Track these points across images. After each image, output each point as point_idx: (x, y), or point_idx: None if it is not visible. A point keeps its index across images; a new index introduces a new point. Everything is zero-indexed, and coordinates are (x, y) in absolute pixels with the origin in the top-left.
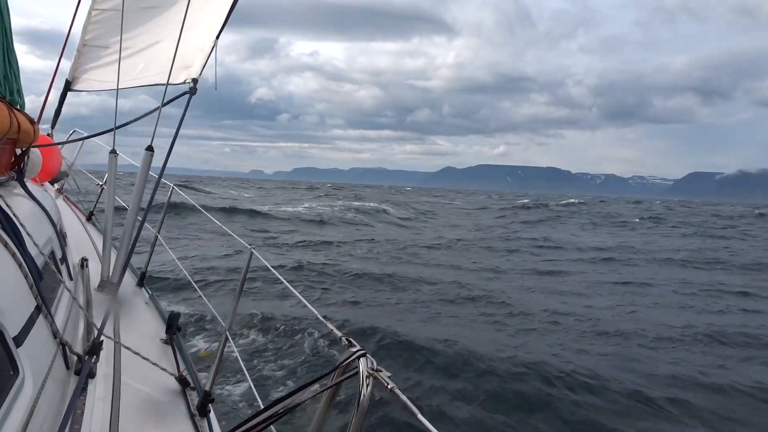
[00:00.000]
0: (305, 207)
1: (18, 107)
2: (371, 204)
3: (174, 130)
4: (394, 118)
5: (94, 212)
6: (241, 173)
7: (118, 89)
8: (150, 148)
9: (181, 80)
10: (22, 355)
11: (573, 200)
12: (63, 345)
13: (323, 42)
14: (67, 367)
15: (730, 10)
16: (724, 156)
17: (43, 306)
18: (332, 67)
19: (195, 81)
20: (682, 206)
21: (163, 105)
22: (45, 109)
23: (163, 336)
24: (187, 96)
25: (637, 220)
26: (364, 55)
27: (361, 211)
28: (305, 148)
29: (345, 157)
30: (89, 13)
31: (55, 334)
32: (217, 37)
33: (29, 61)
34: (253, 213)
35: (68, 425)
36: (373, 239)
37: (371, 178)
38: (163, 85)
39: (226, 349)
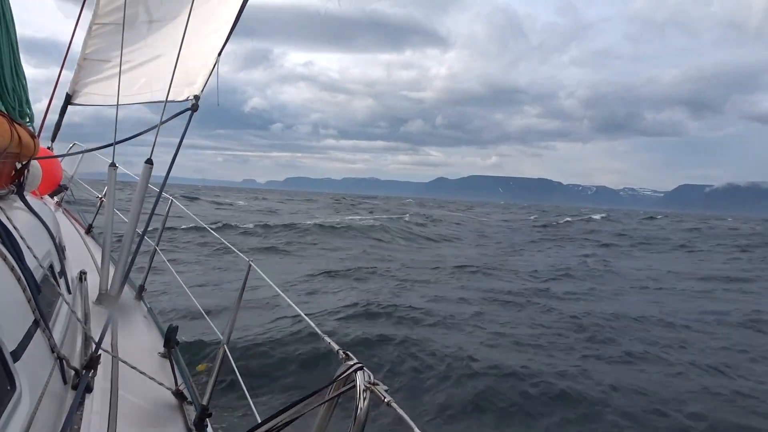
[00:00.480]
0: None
1: (28, 119)
2: (394, 216)
3: (172, 139)
4: (387, 129)
5: (94, 225)
6: (233, 182)
7: (118, 105)
8: (149, 161)
9: (183, 97)
10: (19, 369)
11: (595, 216)
12: (60, 359)
13: (318, 53)
14: (65, 382)
15: (719, 24)
16: (713, 169)
17: (41, 320)
18: (326, 77)
19: (197, 98)
20: (679, 220)
21: (163, 122)
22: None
23: (161, 349)
24: (189, 112)
25: (683, 243)
26: (358, 65)
27: (391, 222)
28: (298, 158)
29: (338, 167)
30: (90, 26)
31: (52, 348)
32: (219, 54)
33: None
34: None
35: None
36: (393, 263)
37: (364, 189)
38: (164, 102)
39: (223, 363)
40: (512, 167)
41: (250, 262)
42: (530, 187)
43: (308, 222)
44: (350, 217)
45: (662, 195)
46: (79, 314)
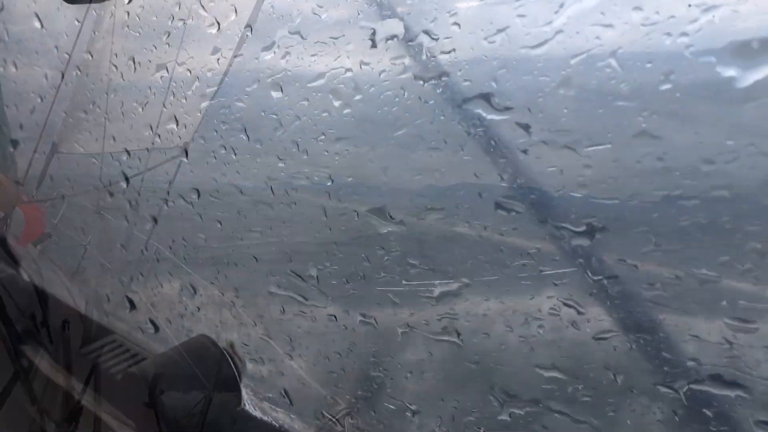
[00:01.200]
0: None
1: (9, 167)
2: None
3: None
4: None
5: (78, 272)
6: None
7: (103, 153)
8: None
9: (172, 144)
10: None
11: None
12: (41, 412)
13: None
14: None
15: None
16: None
17: (21, 372)
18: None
19: (187, 144)
20: None
21: (149, 169)
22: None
23: (146, 399)
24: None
25: None
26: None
27: None
28: None
29: None
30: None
31: (32, 400)
32: (212, 99)
33: None
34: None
35: None
36: None
37: None
38: (149, 149)
39: (209, 411)
40: None
41: (237, 307)
42: None
43: None
44: None
45: None
46: (62, 364)
